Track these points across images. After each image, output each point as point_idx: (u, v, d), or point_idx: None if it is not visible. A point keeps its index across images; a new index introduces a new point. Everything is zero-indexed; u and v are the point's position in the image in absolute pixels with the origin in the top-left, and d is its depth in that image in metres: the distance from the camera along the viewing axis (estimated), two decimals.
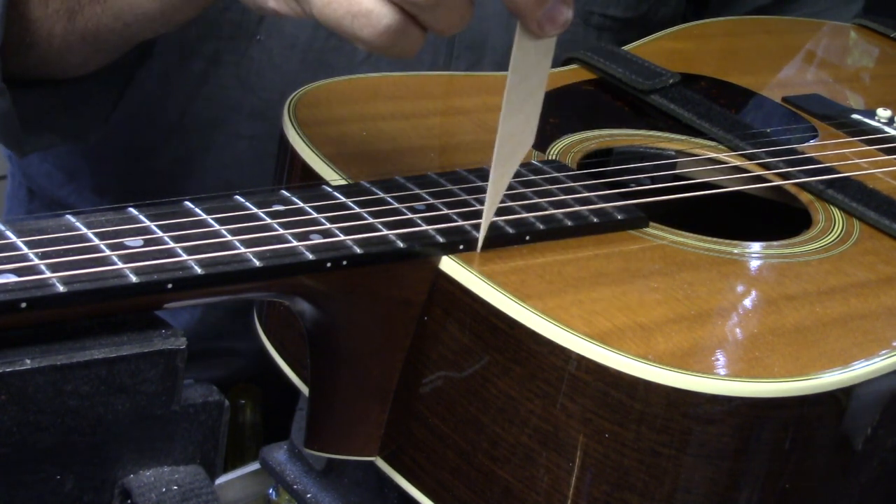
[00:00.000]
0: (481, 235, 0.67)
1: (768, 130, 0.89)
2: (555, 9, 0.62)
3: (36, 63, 0.84)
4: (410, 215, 0.67)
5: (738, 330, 0.66)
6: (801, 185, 0.83)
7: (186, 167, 1.00)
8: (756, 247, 0.73)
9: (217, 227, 0.62)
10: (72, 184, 1.05)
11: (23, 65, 0.83)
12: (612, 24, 1.07)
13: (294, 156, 0.74)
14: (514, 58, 0.63)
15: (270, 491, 0.82)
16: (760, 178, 0.85)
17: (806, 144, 0.89)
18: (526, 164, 0.75)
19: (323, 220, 0.64)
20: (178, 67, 0.97)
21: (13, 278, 0.55)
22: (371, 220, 0.65)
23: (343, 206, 0.66)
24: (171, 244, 0.60)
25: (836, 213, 0.80)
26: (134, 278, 0.57)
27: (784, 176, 0.84)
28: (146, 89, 0.95)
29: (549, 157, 0.79)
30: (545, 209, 0.70)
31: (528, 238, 0.68)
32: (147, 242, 0.59)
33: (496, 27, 1.00)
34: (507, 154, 0.66)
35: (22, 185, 1.10)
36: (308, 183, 0.72)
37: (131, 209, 0.62)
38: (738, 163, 0.85)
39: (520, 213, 0.69)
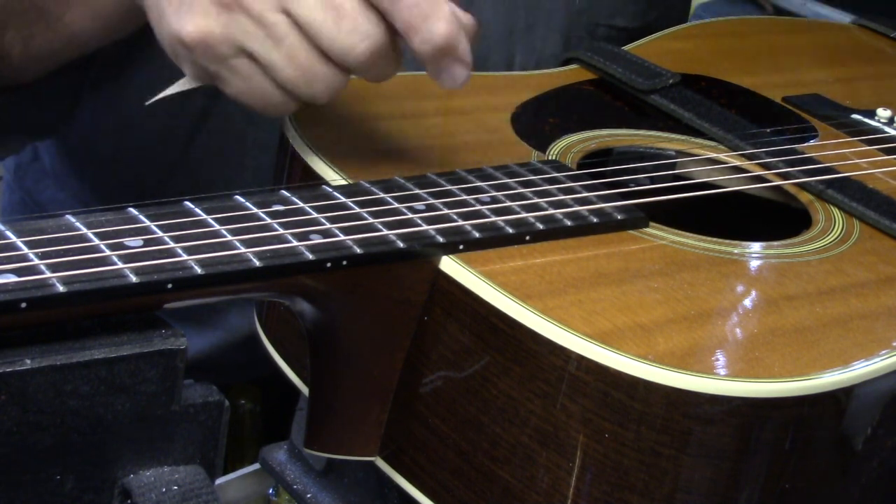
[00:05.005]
0: None
1: (768, 130, 0.89)
2: (452, 66, 0.67)
3: None
4: (410, 215, 0.67)
5: (738, 330, 0.66)
6: (801, 185, 0.83)
7: None
8: (756, 247, 0.73)
9: (217, 227, 0.62)
10: None
11: None
12: (619, 35, 1.06)
13: (294, 156, 0.74)
14: None
15: (270, 491, 0.82)
16: (760, 178, 0.84)
17: (806, 144, 0.89)
18: (525, 164, 0.75)
19: (323, 220, 0.64)
20: (179, 105, 0.96)
21: (13, 278, 0.55)
22: (371, 220, 0.65)
23: (343, 206, 0.66)
24: (171, 244, 0.60)
25: (836, 213, 0.80)
26: (134, 278, 0.57)
27: (784, 176, 0.84)
28: (148, 129, 0.95)
29: (549, 157, 0.79)
30: (545, 209, 0.70)
31: (528, 238, 0.68)
32: (147, 242, 0.59)
33: (497, 47, 1.00)
34: None
35: (28, 207, 1.10)
36: (308, 183, 0.72)
37: (131, 209, 0.62)
38: (738, 163, 0.85)
39: (519, 213, 0.69)
